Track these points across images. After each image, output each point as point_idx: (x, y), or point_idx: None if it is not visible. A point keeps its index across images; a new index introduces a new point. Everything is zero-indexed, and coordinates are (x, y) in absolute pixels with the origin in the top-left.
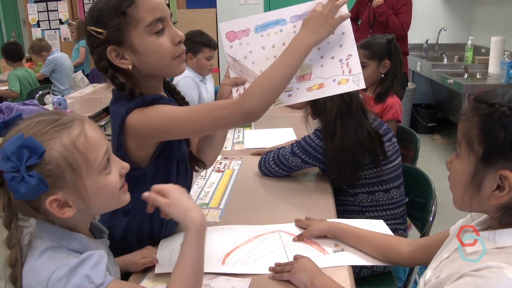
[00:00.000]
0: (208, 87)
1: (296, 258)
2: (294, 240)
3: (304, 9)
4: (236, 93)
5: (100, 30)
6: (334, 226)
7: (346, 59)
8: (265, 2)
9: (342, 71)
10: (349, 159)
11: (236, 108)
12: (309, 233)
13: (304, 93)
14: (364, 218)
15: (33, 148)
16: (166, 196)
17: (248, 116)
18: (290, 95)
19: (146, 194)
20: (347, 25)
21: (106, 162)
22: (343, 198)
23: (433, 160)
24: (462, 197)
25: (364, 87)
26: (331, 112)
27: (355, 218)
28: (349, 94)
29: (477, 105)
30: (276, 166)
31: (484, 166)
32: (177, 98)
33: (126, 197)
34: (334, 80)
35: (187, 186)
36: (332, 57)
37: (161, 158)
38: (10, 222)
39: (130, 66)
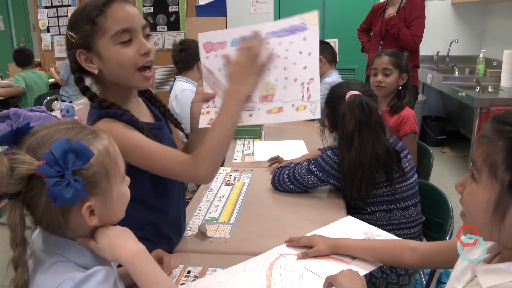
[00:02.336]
0: None
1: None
2: (298, 257)
3: (280, 26)
4: (205, 107)
5: (73, 35)
6: (336, 243)
7: (308, 83)
8: (275, 10)
9: (302, 96)
10: (365, 173)
11: (189, 169)
12: (316, 253)
13: (265, 115)
14: None
15: (81, 153)
16: (95, 238)
17: (198, 181)
18: (250, 115)
19: (79, 240)
20: (315, 45)
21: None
22: (360, 217)
23: (443, 174)
24: (482, 225)
25: (319, 117)
26: (350, 124)
27: None
28: (369, 106)
29: (501, 127)
30: (290, 183)
31: (511, 194)
32: (159, 106)
33: None
34: (293, 106)
35: None
36: (295, 79)
37: None
38: (22, 238)
39: (96, 71)
